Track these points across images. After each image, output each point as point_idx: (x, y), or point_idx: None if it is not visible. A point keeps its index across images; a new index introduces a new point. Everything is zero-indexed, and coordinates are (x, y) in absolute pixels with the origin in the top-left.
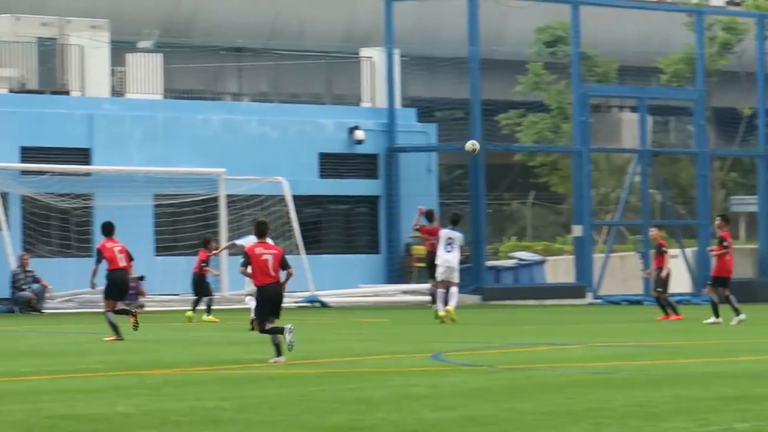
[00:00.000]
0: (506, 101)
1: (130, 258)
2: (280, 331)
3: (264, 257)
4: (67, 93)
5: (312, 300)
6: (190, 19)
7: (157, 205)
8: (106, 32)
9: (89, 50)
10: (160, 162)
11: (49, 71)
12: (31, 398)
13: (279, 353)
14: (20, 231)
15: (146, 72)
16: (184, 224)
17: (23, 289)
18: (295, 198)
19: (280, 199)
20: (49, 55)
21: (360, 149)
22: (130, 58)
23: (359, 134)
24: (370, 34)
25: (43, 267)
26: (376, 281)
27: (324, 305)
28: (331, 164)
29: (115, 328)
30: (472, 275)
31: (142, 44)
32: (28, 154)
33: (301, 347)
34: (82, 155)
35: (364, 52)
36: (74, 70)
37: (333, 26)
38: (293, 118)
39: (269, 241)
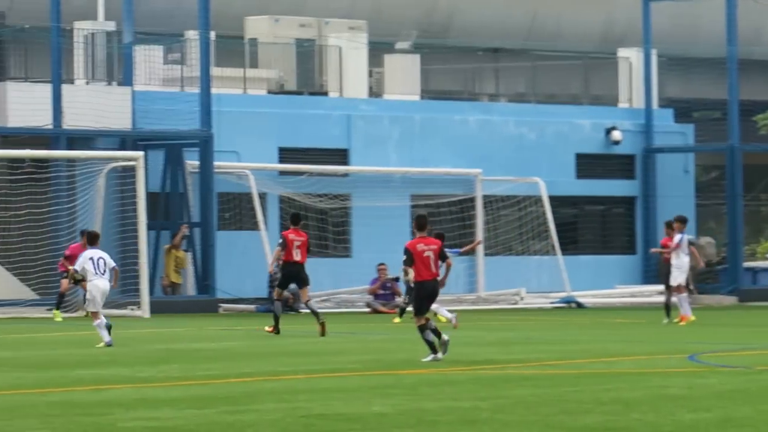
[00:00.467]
0: (765, 101)
1: (306, 252)
2: (438, 333)
3: (426, 254)
4: (325, 94)
5: (568, 301)
6: (447, 19)
7: (413, 206)
8: (364, 33)
9: (347, 51)
10: (416, 162)
11: (308, 72)
12: (287, 397)
13: (435, 351)
14: (278, 231)
15: (403, 73)
16: (441, 225)
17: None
18: (552, 198)
19: (537, 200)
20: (308, 56)
21: (617, 150)
22: (388, 58)
23: (616, 135)
24: (627, 35)
25: None
26: (632, 282)
27: (580, 306)
28: (588, 165)
29: (275, 319)
30: (729, 276)
31: (399, 45)
32: (286, 154)
33: (556, 348)
34: (340, 156)
35: (622, 52)
36: (332, 71)
37: (590, 26)
38: (550, 118)
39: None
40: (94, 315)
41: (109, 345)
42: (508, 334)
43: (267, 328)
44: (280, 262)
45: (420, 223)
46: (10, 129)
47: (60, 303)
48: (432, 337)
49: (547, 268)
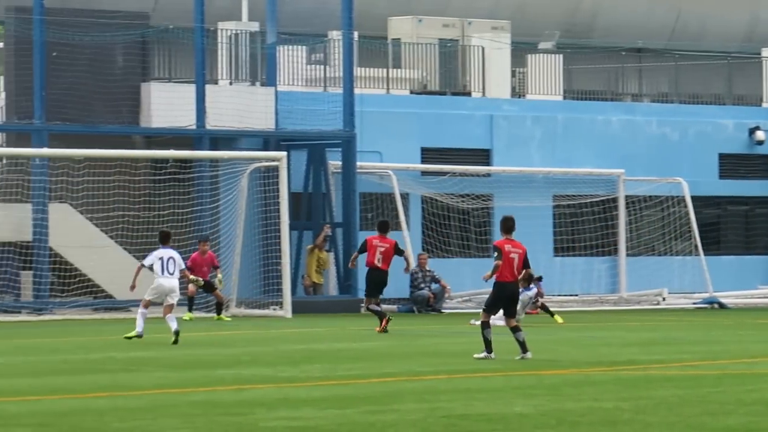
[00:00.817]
0: None
1: (389, 259)
2: (519, 329)
3: (512, 255)
4: (467, 94)
5: (711, 301)
6: (590, 19)
7: (556, 206)
8: (507, 33)
9: (490, 51)
10: (559, 163)
11: (450, 72)
12: (429, 398)
13: (525, 350)
14: (420, 231)
15: (546, 73)
16: (583, 225)
17: (421, 288)
18: (694, 199)
19: (680, 200)
20: (450, 57)
21: (760, 150)
22: (531, 58)
23: (760, 135)
24: None
25: (441, 267)
26: None
27: (722, 306)
28: (731, 165)
29: (379, 315)
30: None
31: (543, 45)
32: (429, 154)
33: (698, 348)
34: (482, 156)
35: (766, 51)
36: (475, 71)
37: (734, 26)
38: (693, 118)
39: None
40: (144, 303)
41: (139, 336)
42: (650, 334)
43: (377, 329)
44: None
45: (507, 226)
46: (154, 129)
47: (191, 305)
48: (491, 335)
49: (690, 268)
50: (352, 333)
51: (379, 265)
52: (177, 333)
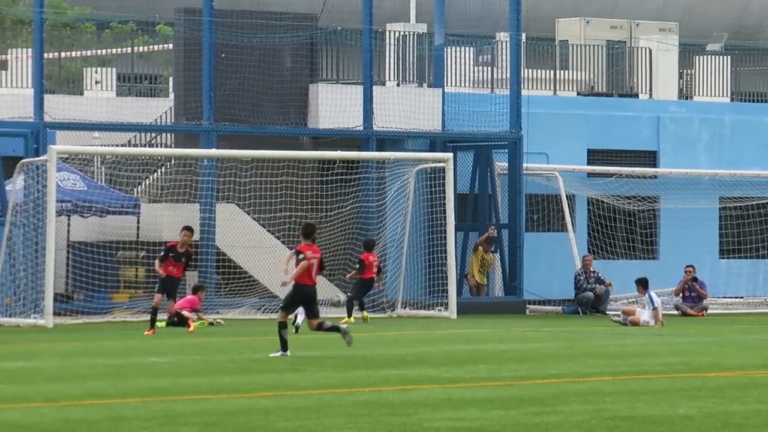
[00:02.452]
0: None
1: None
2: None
3: (311, 260)
4: (635, 96)
5: None
6: (759, 21)
7: (722, 208)
8: (675, 35)
9: (657, 53)
10: (726, 164)
11: (618, 74)
12: (593, 399)
13: (285, 349)
14: (585, 233)
15: (714, 74)
16: (749, 227)
17: (586, 290)
18: None
19: None
20: (618, 58)
21: None
22: (699, 60)
23: None
24: None
25: (606, 269)
26: None
27: None
28: None
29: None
30: None
31: (710, 47)
32: (595, 156)
33: None
34: (649, 158)
35: None
36: (642, 72)
37: None
38: None
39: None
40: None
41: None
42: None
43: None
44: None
45: (307, 231)
46: (322, 130)
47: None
48: (288, 335)
49: None
50: (518, 334)
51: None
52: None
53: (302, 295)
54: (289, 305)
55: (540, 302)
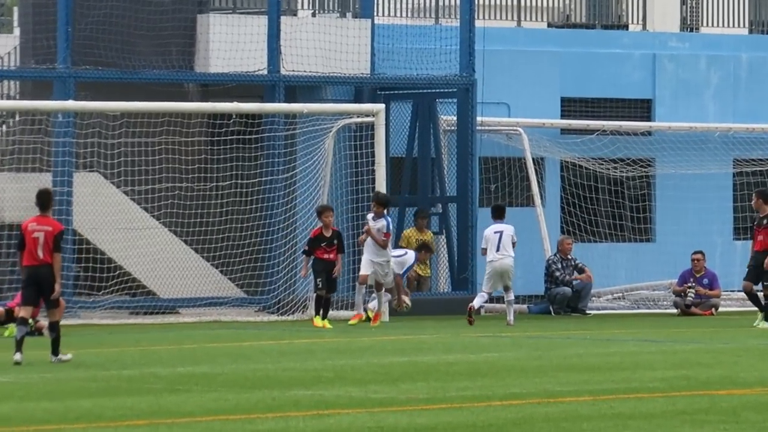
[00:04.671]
0: None
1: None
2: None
3: (35, 235)
4: (623, 27)
5: None
6: None
7: (737, 173)
8: None
9: None
10: (742, 117)
11: (601, 0)
12: (568, 426)
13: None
14: (558, 208)
15: (727, 0)
16: None
17: (561, 283)
18: None
19: None
20: None
21: None
22: None
23: None
24: None
25: (586, 254)
26: None
27: None
28: None
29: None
30: None
31: None
32: (571, 107)
33: None
34: (641, 108)
35: None
36: None
37: None
38: None
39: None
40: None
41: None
42: None
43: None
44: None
45: (41, 201)
46: (212, 76)
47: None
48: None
49: None
50: (469, 341)
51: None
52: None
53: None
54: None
55: (499, 299)
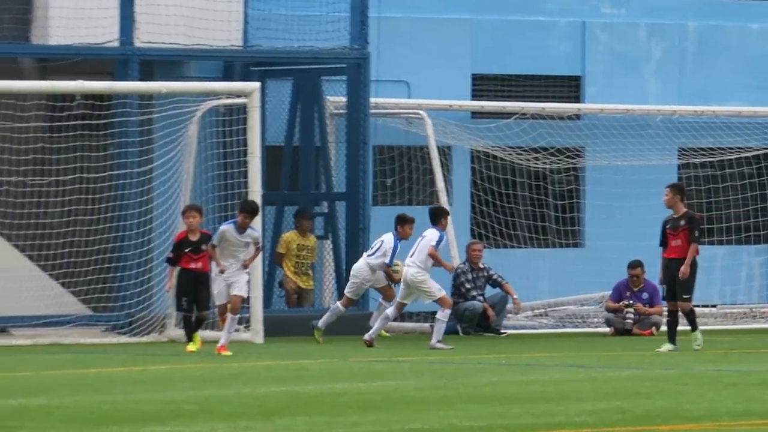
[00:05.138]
0: None
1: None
2: None
3: None
4: None
5: None
6: None
7: (683, 166)
8: None
9: None
10: (689, 97)
11: None
12: None
13: None
14: (468, 207)
15: None
16: (727, 195)
17: (472, 297)
18: None
19: None
20: None
21: None
22: None
23: None
24: None
25: (502, 262)
26: None
27: None
28: None
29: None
30: None
31: None
32: (484, 86)
33: None
34: (568, 88)
35: None
36: None
37: None
38: None
39: None
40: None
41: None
42: None
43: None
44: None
45: None
46: (52, 49)
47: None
48: None
49: None
50: (360, 367)
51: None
52: None
53: None
54: None
55: (407, 315)
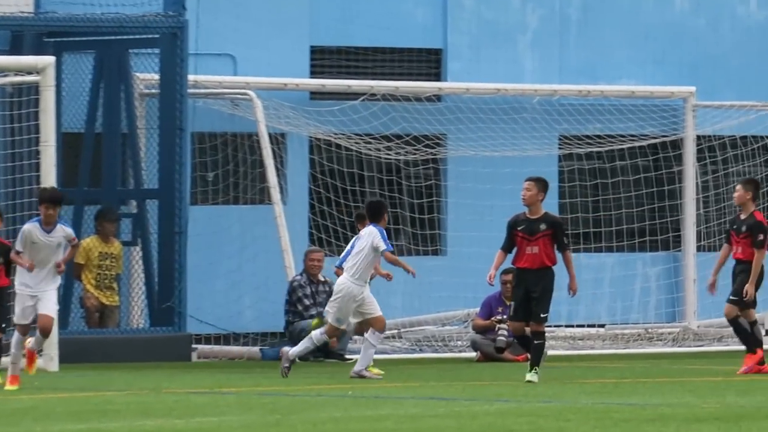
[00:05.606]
0: None
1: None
2: None
3: None
4: None
5: None
6: None
7: (565, 157)
8: None
9: None
10: (572, 75)
11: None
12: None
13: None
14: (306, 206)
15: None
16: (616, 191)
17: (310, 315)
18: None
19: None
20: None
21: None
22: None
23: None
24: None
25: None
26: None
27: None
28: None
29: None
30: None
31: None
32: (325, 60)
33: None
34: (427, 63)
35: None
36: None
37: None
38: None
39: None
40: None
41: None
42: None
43: None
44: None
45: None
46: None
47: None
48: None
49: None
50: (175, 400)
51: None
52: None
53: None
54: None
55: (220, 338)
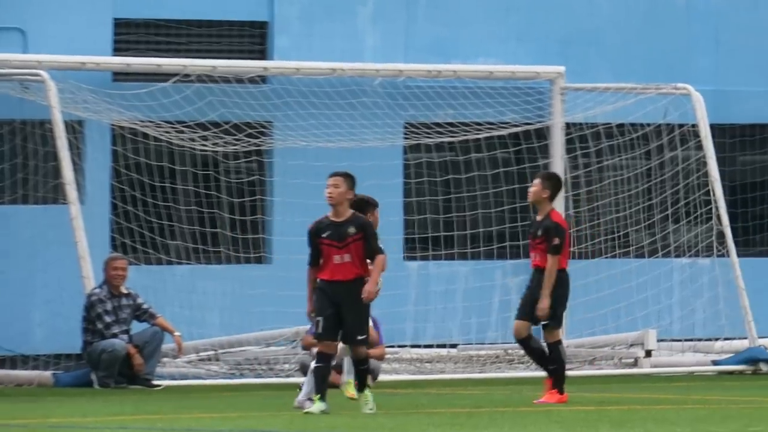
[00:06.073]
0: None
1: None
2: None
3: None
4: None
5: (752, 357)
6: None
7: (411, 148)
8: None
9: None
10: (420, 52)
11: None
12: None
13: None
14: (108, 206)
15: None
16: (474, 188)
17: (112, 334)
18: (716, 130)
19: (689, 132)
20: None
21: None
22: None
23: None
24: None
25: (154, 285)
26: None
27: None
28: None
29: None
30: None
31: None
32: (128, 34)
33: None
34: (250, 39)
35: None
36: None
37: None
38: None
39: None
40: None
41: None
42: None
43: None
44: None
45: None
46: None
47: None
48: None
49: (709, 284)
50: None
51: None
52: None
53: None
54: None
55: (5, 360)
